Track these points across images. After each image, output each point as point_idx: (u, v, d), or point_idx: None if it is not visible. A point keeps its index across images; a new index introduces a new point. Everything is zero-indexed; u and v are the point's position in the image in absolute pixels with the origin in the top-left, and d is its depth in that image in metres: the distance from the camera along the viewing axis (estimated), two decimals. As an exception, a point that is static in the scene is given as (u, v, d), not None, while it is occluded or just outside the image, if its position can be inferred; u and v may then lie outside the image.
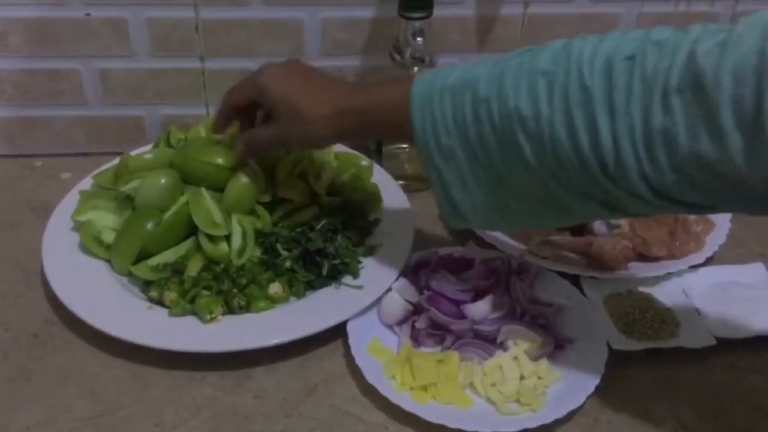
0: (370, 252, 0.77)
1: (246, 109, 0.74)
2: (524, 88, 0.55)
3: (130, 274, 0.73)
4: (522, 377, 0.66)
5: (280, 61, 0.72)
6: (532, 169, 0.56)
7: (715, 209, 0.55)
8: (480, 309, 0.70)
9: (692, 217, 0.79)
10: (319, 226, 0.76)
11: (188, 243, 0.74)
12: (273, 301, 0.71)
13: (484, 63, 0.60)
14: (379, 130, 0.68)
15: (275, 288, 0.71)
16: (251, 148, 0.74)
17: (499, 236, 0.80)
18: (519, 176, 0.58)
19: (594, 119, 0.52)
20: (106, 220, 0.76)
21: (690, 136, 0.49)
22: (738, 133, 0.47)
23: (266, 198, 0.77)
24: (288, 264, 0.73)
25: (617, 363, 0.67)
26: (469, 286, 0.72)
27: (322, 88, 0.68)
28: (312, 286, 0.73)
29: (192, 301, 0.69)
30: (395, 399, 0.63)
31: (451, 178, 0.61)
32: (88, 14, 0.85)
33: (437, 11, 0.82)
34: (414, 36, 0.82)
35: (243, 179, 0.76)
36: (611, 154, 0.52)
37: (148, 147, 0.87)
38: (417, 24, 0.82)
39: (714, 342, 0.69)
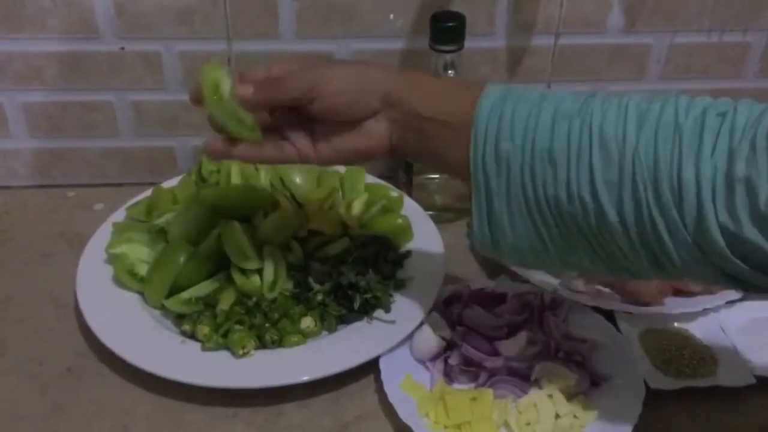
0: (401, 285, 0.76)
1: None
2: (612, 113, 0.53)
3: (163, 308, 0.73)
4: (557, 416, 0.65)
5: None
6: (595, 194, 0.52)
7: None
8: (514, 345, 0.69)
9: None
10: (350, 260, 0.76)
11: (220, 276, 0.75)
12: (305, 335, 0.71)
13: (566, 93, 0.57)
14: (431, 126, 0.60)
15: (307, 322, 0.71)
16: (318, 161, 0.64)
17: (531, 270, 0.79)
18: (575, 200, 0.53)
19: (680, 157, 0.50)
20: (140, 253, 0.77)
21: None
22: None
23: (302, 233, 0.78)
24: (320, 298, 0.73)
25: (653, 401, 0.66)
26: (502, 321, 0.71)
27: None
28: (344, 320, 0.73)
29: (225, 335, 0.69)
30: (430, 438, 0.62)
31: (497, 184, 0.56)
32: (122, 48, 0.86)
33: (467, 42, 0.82)
34: (445, 68, 0.82)
35: (279, 215, 0.76)
36: (692, 194, 0.50)
37: (180, 178, 0.88)
38: (448, 57, 0.82)
39: (753, 381, 0.68)
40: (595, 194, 0.52)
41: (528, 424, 0.64)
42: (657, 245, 0.52)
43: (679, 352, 0.70)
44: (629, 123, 0.52)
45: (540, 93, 0.56)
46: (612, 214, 0.52)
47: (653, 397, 0.66)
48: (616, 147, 0.52)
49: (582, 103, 0.54)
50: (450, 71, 0.82)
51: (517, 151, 0.55)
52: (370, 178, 0.89)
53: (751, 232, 0.48)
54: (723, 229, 0.49)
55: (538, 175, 0.54)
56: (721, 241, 0.49)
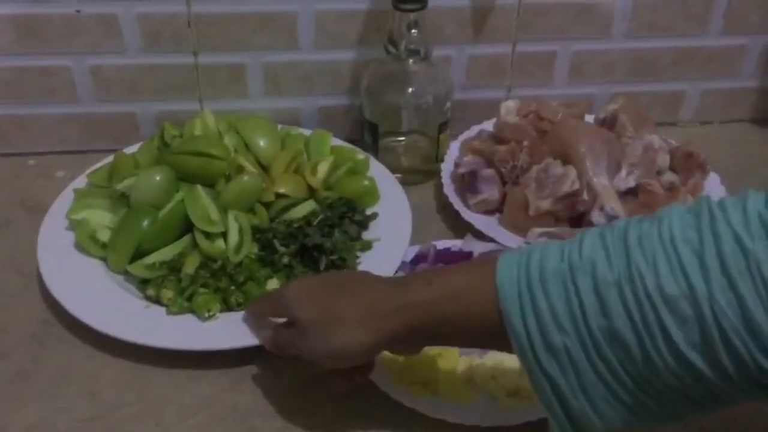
0: (367, 246, 0.76)
1: None
2: (663, 263, 0.45)
3: (126, 273, 0.73)
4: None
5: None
6: (687, 362, 0.44)
7: None
8: (479, 302, 0.69)
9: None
10: (316, 222, 0.75)
11: (184, 240, 0.74)
12: (272, 297, 0.71)
13: (585, 239, 0.49)
14: (445, 330, 0.53)
15: (273, 284, 0.71)
16: (278, 351, 0.63)
17: (497, 229, 0.80)
18: (663, 373, 0.45)
19: (766, 289, 0.42)
20: (102, 219, 0.76)
21: None
22: None
23: (268, 198, 0.77)
24: (285, 260, 0.73)
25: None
26: (467, 279, 0.72)
27: (367, 283, 0.58)
28: (310, 281, 0.73)
29: (189, 299, 0.69)
30: (395, 395, 0.63)
31: (565, 382, 0.48)
32: (78, 11, 0.84)
33: (432, 2, 0.81)
34: (408, 28, 0.82)
35: (244, 179, 0.75)
36: None
37: (141, 144, 0.87)
38: (411, 16, 0.81)
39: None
40: (684, 361, 0.44)
41: (493, 377, 0.65)
42: None
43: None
44: (689, 270, 0.44)
45: (561, 257, 0.49)
46: (712, 375, 0.44)
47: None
48: (687, 304, 0.44)
49: (622, 262, 0.46)
50: (414, 31, 0.82)
51: (573, 341, 0.47)
52: (336, 141, 0.89)
53: None
54: None
55: (611, 358, 0.46)
56: None
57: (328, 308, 0.56)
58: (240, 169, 0.78)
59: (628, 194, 0.80)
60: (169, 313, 0.69)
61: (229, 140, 0.83)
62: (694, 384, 0.45)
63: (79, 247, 0.74)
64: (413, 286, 0.55)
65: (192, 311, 0.69)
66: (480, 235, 0.79)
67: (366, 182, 0.83)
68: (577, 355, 0.47)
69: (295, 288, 0.60)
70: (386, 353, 0.63)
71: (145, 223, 0.73)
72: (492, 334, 0.50)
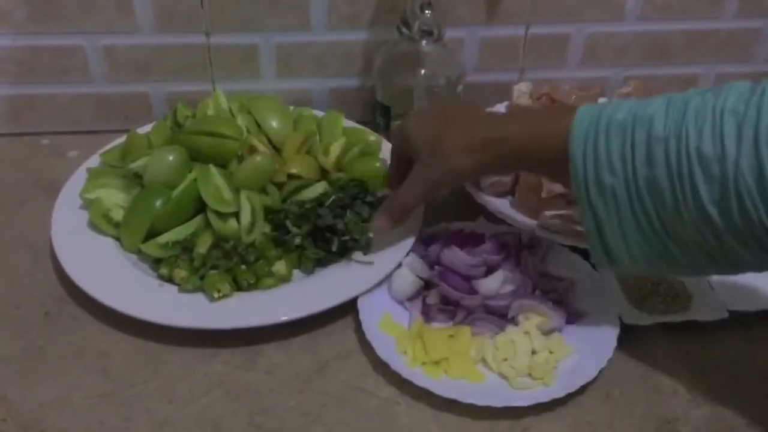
0: (379, 227, 0.76)
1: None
2: (708, 128, 0.51)
3: (139, 252, 0.73)
4: (534, 352, 0.66)
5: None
6: (707, 216, 0.52)
7: None
8: (491, 284, 0.69)
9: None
10: (328, 203, 0.75)
11: (197, 220, 0.74)
12: (281, 278, 0.71)
13: (655, 100, 0.56)
14: (527, 161, 0.62)
15: (281, 266, 0.71)
16: (406, 209, 0.70)
17: (509, 211, 0.80)
18: (688, 224, 0.53)
19: None
20: (115, 198, 0.76)
21: None
22: None
23: (280, 178, 0.77)
24: (297, 241, 0.73)
25: (629, 336, 0.67)
26: (479, 261, 0.72)
27: (467, 119, 0.65)
28: (322, 263, 0.73)
29: (202, 278, 0.69)
30: (407, 374, 0.63)
31: (607, 218, 0.57)
32: (92, -10, 0.84)
33: (445, -17, 0.81)
34: (422, 9, 0.81)
35: (256, 159, 0.75)
36: None
37: (154, 124, 0.87)
38: (425, -4, 0.81)
39: (726, 315, 0.69)
40: (704, 214, 0.52)
41: (505, 359, 0.65)
42: None
43: (655, 289, 0.71)
44: (726, 137, 0.50)
45: (629, 111, 0.56)
46: (725, 229, 0.51)
47: (628, 332, 0.67)
48: (717, 166, 0.51)
49: (675, 122, 0.53)
50: (427, 11, 0.81)
51: (620, 183, 0.55)
52: (348, 122, 0.89)
53: None
54: None
55: (647, 203, 0.54)
56: None
57: (435, 141, 0.65)
58: (252, 150, 0.78)
59: (641, 177, 0.80)
60: (182, 291, 0.69)
61: (241, 121, 0.83)
62: (711, 238, 0.52)
63: (93, 226, 0.75)
64: (506, 124, 0.64)
65: (205, 290, 0.69)
66: (492, 218, 0.79)
67: (378, 164, 0.82)
68: (620, 195, 0.55)
69: (411, 127, 0.68)
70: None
71: (159, 202, 0.73)
72: (560, 168, 0.58)
